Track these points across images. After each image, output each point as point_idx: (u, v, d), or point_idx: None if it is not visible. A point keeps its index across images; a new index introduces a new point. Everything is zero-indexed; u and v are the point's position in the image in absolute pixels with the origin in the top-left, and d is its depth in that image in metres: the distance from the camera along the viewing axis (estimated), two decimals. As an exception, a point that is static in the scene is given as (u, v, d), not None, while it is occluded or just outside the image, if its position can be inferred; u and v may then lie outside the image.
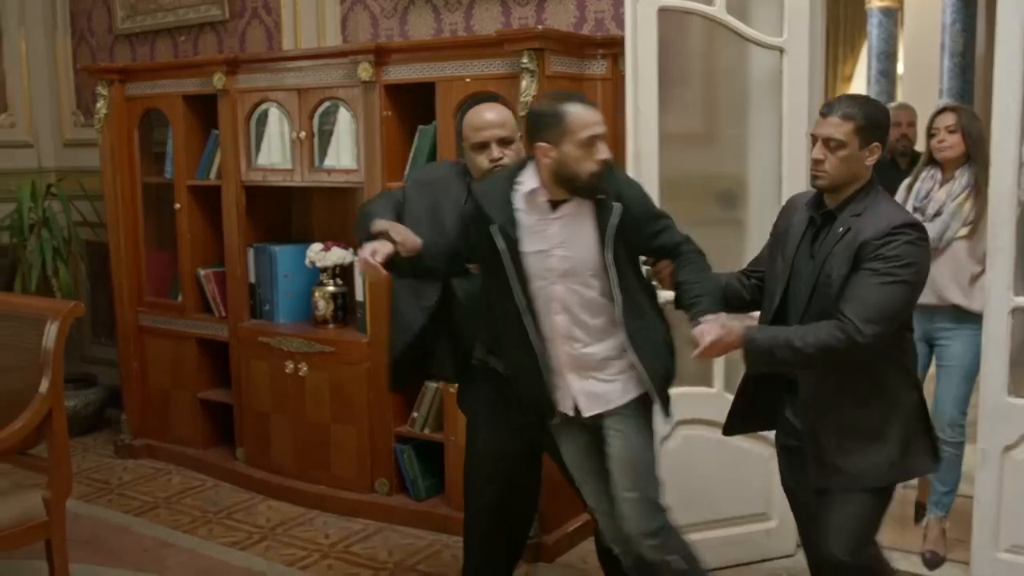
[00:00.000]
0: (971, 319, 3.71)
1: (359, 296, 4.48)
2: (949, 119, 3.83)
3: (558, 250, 2.85)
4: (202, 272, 5.04)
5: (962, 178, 3.81)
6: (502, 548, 3.45)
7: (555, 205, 2.85)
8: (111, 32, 5.96)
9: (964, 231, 3.75)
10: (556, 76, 3.87)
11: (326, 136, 4.52)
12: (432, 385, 4.31)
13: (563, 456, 3.15)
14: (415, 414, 4.38)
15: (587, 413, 2.97)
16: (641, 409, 2.98)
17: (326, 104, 4.47)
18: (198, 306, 5.10)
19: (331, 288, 4.65)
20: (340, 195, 4.83)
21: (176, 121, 5.01)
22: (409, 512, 4.40)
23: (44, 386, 3.37)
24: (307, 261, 4.62)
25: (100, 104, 5.18)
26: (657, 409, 2.98)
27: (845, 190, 2.73)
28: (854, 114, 2.68)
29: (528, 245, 2.85)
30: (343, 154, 4.47)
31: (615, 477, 2.99)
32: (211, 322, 5.04)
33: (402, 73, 4.21)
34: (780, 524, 3.85)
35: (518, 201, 2.85)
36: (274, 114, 4.68)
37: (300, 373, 4.59)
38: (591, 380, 2.96)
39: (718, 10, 3.66)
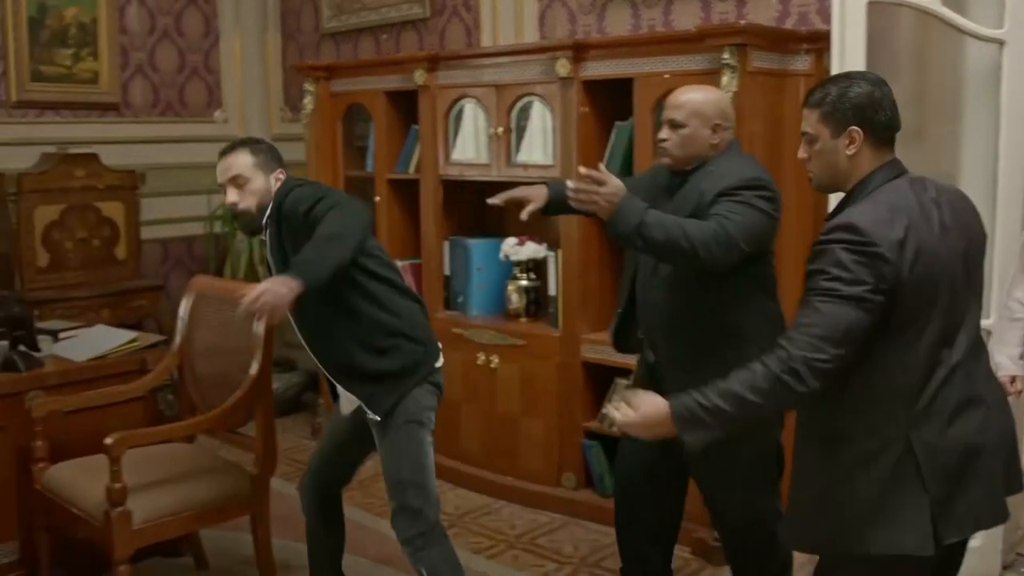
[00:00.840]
0: None
1: (552, 291, 4.51)
2: None
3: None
4: (399, 264, 5.16)
5: None
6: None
7: None
8: (318, 31, 6.19)
9: None
10: (758, 72, 3.80)
11: (520, 132, 4.57)
12: (622, 382, 4.30)
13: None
14: (604, 410, 4.38)
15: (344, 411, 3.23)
16: (391, 422, 3.11)
17: (523, 100, 4.52)
18: (395, 296, 5.23)
19: (524, 282, 4.70)
20: (534, 190, 4.87)
21: (378, 116, 5.16)
22: (595, 508, 4.40)
23: (254, 368, 3.52)
24: (501, 255, 4.68)
25: (307, 100, 5.39)
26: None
27: (838, 191, 2.39)
28: (819, 99, 2.32)
29: None
30: (536, 150, 4.51)
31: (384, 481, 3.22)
32: (406, 312, 5.16)
33: (600, 69, 4.21)
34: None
35: None
36: (469, 110, 4.76)
37: (491, 365, 4.66)
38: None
39: (932, 2, 3.51)
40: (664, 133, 3.03)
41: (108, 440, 3.21)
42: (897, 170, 2.32)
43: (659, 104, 4.01)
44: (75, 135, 5.75)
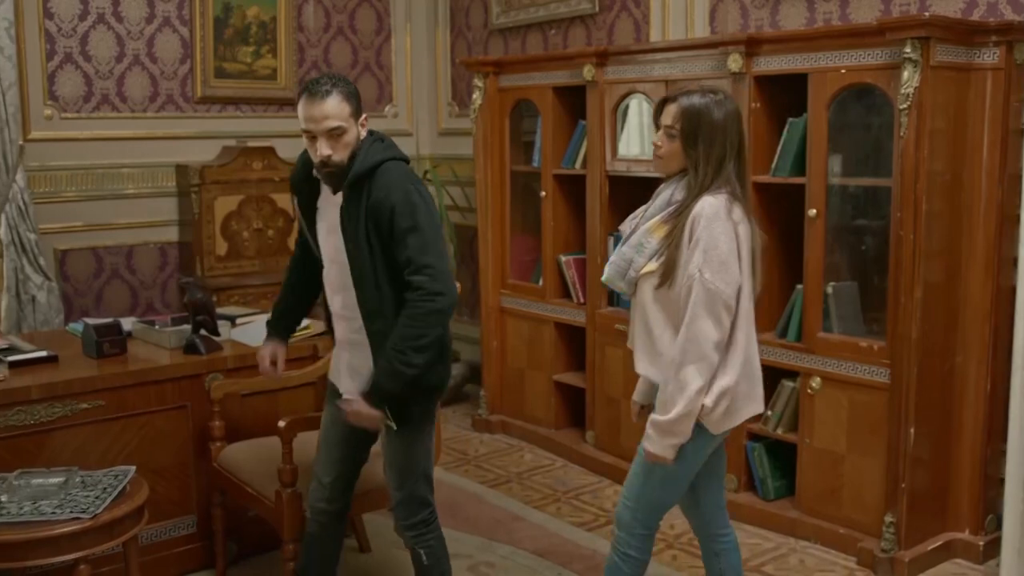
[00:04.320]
0: None
1: (717, 289, 4.44)
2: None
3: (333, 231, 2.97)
4: (563, 258, 5.19)
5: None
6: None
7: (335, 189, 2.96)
8: (486, 27, 6.26)
9: (652, 267, 2.78)
10: (941, 66, 3.64)
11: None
12: (788, 384, 4.20)
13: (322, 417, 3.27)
14: (769, 412, 4.29)
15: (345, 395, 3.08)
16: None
17: (693, 95, 4.46)
18: (558, 291, 5.26)
19: (689, 280, 4.63)
20: (701, 187, 4.82)
21: (546, 112, 5.19)
22: (756, 511, 4.32)
23: (421, 358, 3.58)
24: (666, 252, 4.63)
25: (476, 95, 5.46)
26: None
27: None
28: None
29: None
30: (702, 146, 4.44)
31: (385, 469, 3.13)
32: (569, 307, 5.18)
33: (773, 64, 4.12)
34: None
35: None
36: (635, 105, 4.73)
37: (653, 362, 4.62)
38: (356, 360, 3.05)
39: None
40: None
41: (281, 423, 3.34)
42: None
43: (834, 99, 3.92)
44: (253, 129, 5.99)
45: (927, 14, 3.86)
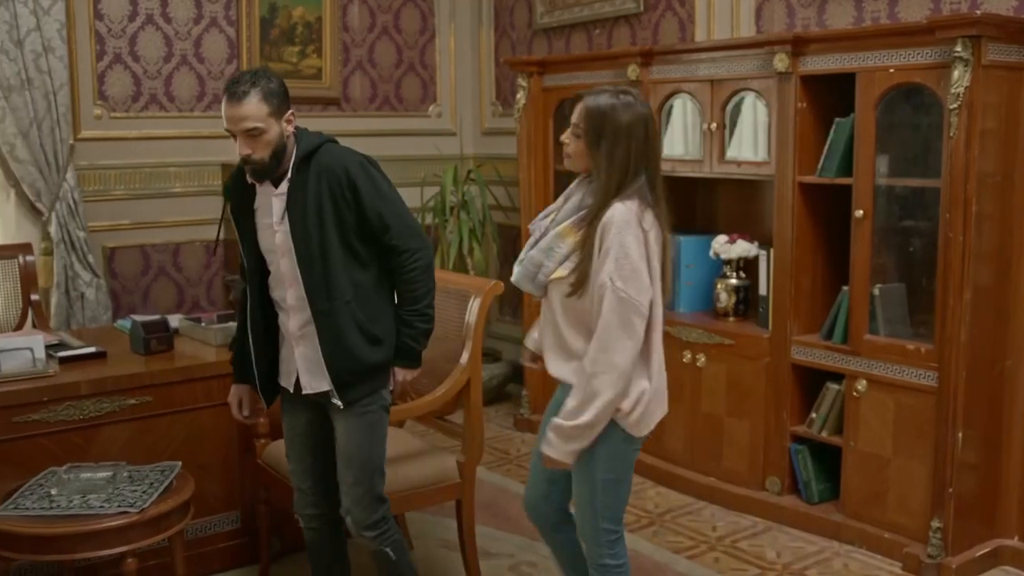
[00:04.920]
0: None
1: (762, 290, 4.41)
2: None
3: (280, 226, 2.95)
4: (606, 258, 5.16)
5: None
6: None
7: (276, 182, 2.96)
8: (530, 27, 6.26)
9: (561, 272, 2.74)
10: (993, 65, 3.59)
11: (731, 127, 4.49)
12: (833, 387, 4.17)
13: (283, 428, 3.23)
14: (814, 414, 4.26)
15: (307, 390, 3.04)
16: (361, 408, 3.02)
17: (738, 95, 4.44)
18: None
19: (734, 281, 4.61)
20: (747, 187, 4.79)
21: (589, 111, 5.17)
22: (800, 514, 4.29)
23: (464, 357, 3.59)
24: (711, 252, 4.61)
25: (520, 95, 5.46)
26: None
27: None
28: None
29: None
30: (745, 146, 4.42)
31: (340, 468, 3.07)
32: (612, 307, 5.15)
33: (820, 64, 4.08)
34: None
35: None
36: (678, 105, 4.71)
37: (698, 364, 4.60)
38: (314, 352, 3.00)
39: None
40: None
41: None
42: None
43: (882, 99, 3.88)
44: (299, 128, 6.01)
45: (979, 12, 3.80)
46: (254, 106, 2.84)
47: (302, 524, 3.30)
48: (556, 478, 2.99)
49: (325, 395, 3.04)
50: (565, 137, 2.80)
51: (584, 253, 2.68)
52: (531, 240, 2.86)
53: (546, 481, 3.04)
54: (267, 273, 3.07)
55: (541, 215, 2.91)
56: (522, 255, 2.86)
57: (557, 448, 2.74)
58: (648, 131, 2.72)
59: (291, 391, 3.11)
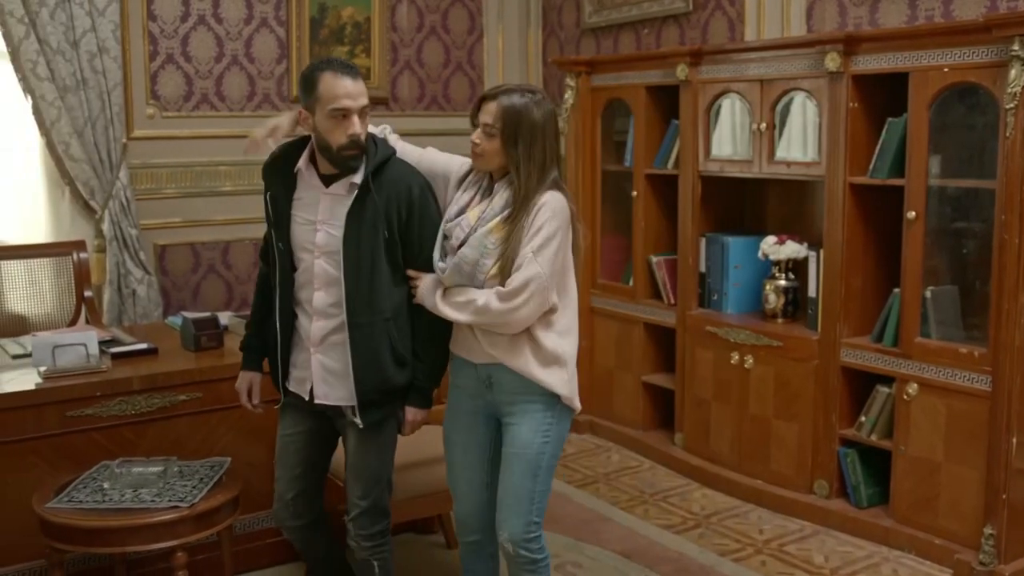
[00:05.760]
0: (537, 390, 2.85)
1: (811, 292, 4.37)
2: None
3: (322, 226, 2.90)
4: (654, 259, 5.15)
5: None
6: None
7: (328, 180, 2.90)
8: (578, 26, 6.25)
9: (496, 270, 2.76)
10: (1051, 64, 3.53)
11: (780, 127, 4.45)
12: (884, 390, 4.12)
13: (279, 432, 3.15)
14: (863, 418, 4.21)
15: (321, 401, 2.98)
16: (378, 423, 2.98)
17: (788, 95, 4.40)
18: (648, 291, 5.23)
19: (782, 282, 4.57)
20: (796, 188, 4.75)
21: (638, 111, 5.16)
22: (848, 519, 4.24)
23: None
24: (760, 254, 4.58)
25: (568, 95, 5.45)
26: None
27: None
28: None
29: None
30: (795, 146, 4.38)
31: (348, 480, 3.05)
32: (660, 308, 5.14)
33: (872, 63, 4.03)
34: None
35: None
36: (727, 105, 4.68)
37: (745, 365, 4.57)
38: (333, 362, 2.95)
39: None
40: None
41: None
42: None
43: (936, 99, 3.82)
44: (347, 128, 6.05)
45: (1035, 11, 3.75)
46: (364, 85, 2.85)
47: (285, 535, 3.26)
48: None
49: (336, 408, 2.99)
50: (476, 137, 2.80)
51: (512, 244, 2.72)
52: (454, 239, 2.81)
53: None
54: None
55: (456, 212, 2.85)
56: (441, 256, 2.84)
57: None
58: (556, 127, 2.82)
59: (305, 398, 3.02)
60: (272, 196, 2.97)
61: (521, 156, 2.73)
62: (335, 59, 2.86)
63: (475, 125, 2.82)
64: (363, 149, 2.85)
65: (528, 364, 2.80)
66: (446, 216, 2.88)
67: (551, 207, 2.72)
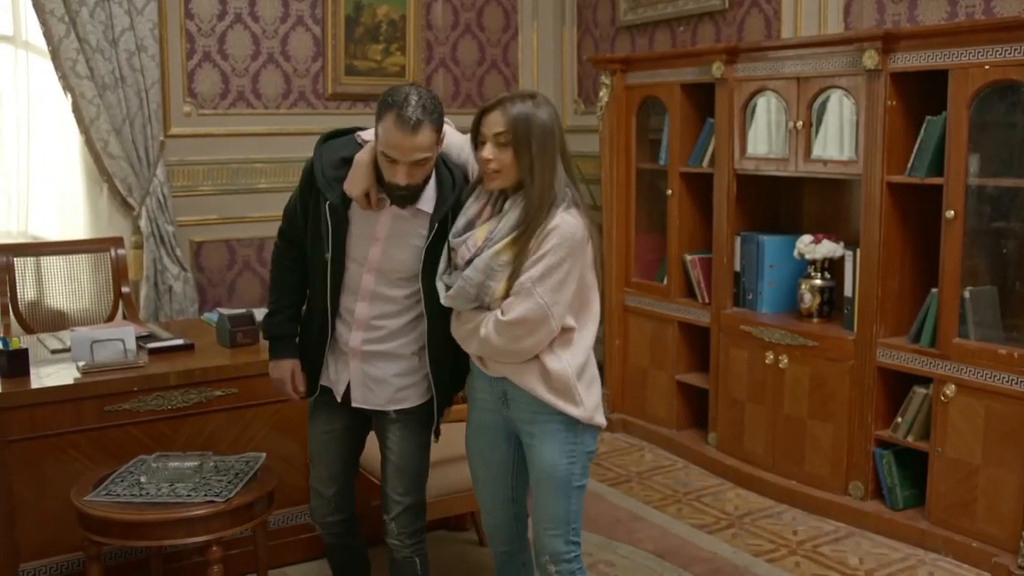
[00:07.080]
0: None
1: (847, 292, 4.34)
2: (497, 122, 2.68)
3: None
4: (688, 257, 5.13)
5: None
6: None
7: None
8: (614, 24, 6.23)
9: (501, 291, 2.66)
10: (1093, 62, 3.49)
11: (816, 126, 4.42)
12: (921, 391, 4.08)
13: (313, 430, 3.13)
14: (899, 419, 4.17)
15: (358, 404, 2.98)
16: (423, 413, 3.00)
17: (825, 93, 4.36)
18: (682, 290, 5.21)
19: (818, 281, 4.54)
20: (832, 186, 4.72)
21: (673, 109, 5.14)
22: (883, 520, 4.20)
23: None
24: (795, 253, 4.55)
25: (603, 93, 5.44)
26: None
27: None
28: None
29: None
30: (832, 144, 4.34)
31: (390, 477, 3.04)
32: (694, 307, 5.12)
33: (911, 60, 3.99)
34: None
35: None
36: (762, 103, 4.65)
37: (780, 365, 4.54)
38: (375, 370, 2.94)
39: None
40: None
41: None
42: None
43: (976, 97, 3.78)
44: (382, 125, 6.07)
45: (1078, 8, 3.70)
46: (427, 136, 2.66)
47: (321, 531, 3.25)
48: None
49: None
50: (488, 152, 2.65)
51: (518, 264, 2.62)
52: (460, 256, 2.71)
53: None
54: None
55: (463, 228, 2.74)
56: (446, 271, 2.76)
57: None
58: (561, 127, 2.71)
59: (338, 399, 3.01)
60: (331, 205, 2.82)
61: (536, 159, 2.60)
62: (408, 102, 2.64)
63: (479, 143, 2.70)
64: (410, 192, 2.74)
65: (537, 387, 2.70)
66: (453, 230, 2.75)
67: (560, 233, 2.58)
